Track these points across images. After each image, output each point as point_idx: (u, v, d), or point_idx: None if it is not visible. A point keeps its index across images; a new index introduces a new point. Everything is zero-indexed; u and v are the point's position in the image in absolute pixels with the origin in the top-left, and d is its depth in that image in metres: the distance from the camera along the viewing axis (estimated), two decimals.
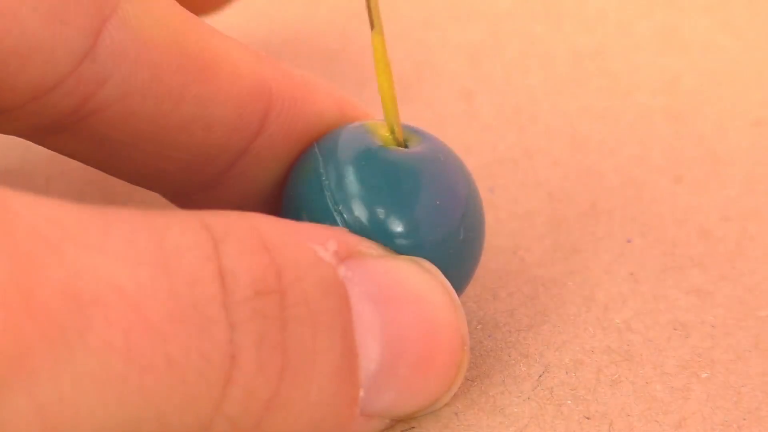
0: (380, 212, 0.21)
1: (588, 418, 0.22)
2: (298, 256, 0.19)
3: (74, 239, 0.17)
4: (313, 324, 0.19)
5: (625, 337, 0.23)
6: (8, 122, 0.22)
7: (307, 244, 0.20)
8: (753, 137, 0.30)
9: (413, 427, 0.21)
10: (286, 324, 0.19)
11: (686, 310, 0.24)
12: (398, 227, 0.21)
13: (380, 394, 0.20)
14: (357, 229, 0.21)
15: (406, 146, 0.22)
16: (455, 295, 0.21)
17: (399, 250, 0.21)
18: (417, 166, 0.21)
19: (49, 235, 0.16)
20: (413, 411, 0.21)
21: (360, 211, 0.21)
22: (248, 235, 0.19)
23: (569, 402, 0.22)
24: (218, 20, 0.33)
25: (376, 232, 0.21)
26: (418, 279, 0.21)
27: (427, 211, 0.21)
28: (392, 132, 0.22)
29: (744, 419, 0.22)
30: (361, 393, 0.20)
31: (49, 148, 0.23)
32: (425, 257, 0.21)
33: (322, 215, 0.21)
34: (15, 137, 0.23)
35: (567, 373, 0.23)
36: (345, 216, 0.21)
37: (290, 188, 0.22)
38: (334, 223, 0.21)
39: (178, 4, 0.22)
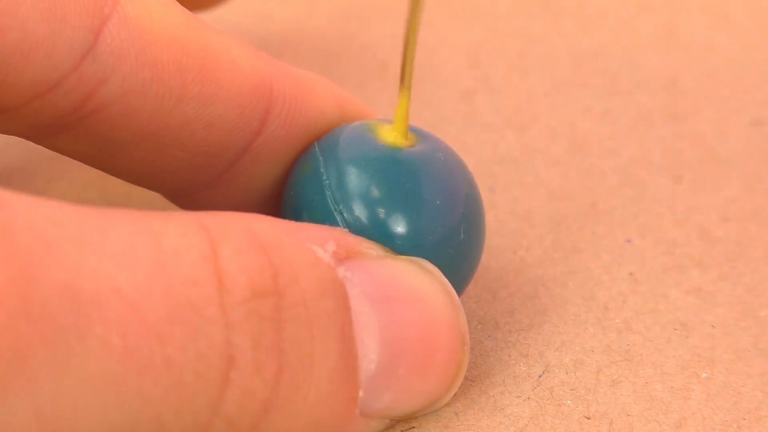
0: (381, 212, 0.21)
1: (588, 418, 0.22)
2: (296, 257, 0.19)
3: (73, 240, 0.17)
4: (311, 325, 0.19)
5: (625, 337, 0.23)
6: (9, 122, 0.22)
7: (305, 245, 0.20)
8: (753, 137, 0.30)
9: (413, 427, 0.21)
10: (283, 325, 0.19)
11: (686, 310, 0.24)
12: (399, 227, 0.21)
13: (380, 394, 0.20)
14: (357, 228, 0.21)
15: (406, 146, 0.22)
16: (455, 295, 0.21)
17: (399, 250, 0.21)
18: (417, 166, 0.21)
19: (48, 235, 0.16)
20: (413, 411, 0.21)
21: (360, 211, 0.21)
22: (246, 236, 0.19)
23: (569, 402, 0.22)
24: (219, 20, 0.33)
25: (376, 232, 0.21)
26: (418, 279, 0.21)
27: (428, 210, 0.21)
28: (399, 128, 0.22)
29: (744, 419, 0.22)
30: (361, 393, 0.20)
31: (49, 148, 0.23)
32: (426, 256, 0.21)
33: (322, 215, 0.21)
34: (15, 137, 0.23)
35: (567, 373, 0.23)
36: (345, 215, 0.21)
37: (291, 188, 0.22)
38: (334, 222, 0.21)
39: (177, 3, 0.22)
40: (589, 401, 0.22)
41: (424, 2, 0.21)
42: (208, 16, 0.33)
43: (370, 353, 0.20)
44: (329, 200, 0.21)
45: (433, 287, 0.21)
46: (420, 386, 0.21)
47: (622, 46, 0.34)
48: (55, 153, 0.23)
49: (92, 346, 0.16)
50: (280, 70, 0.23)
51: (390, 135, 0.22)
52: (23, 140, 0.23)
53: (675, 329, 0.24)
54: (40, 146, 0.23)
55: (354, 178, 0.21)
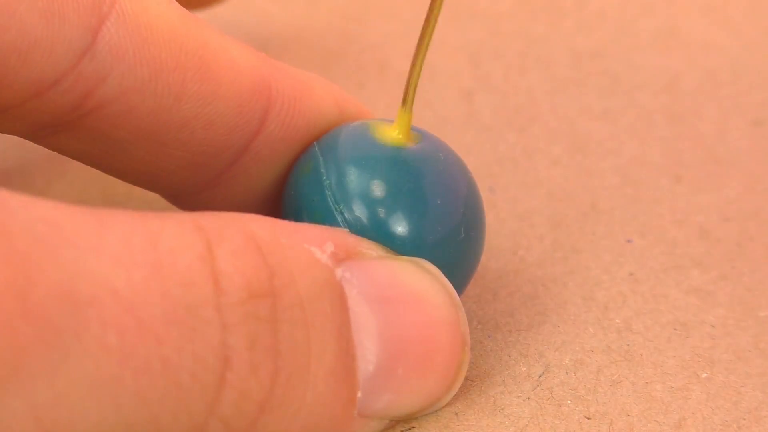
0: (381, 211, 0.21)
1: (588, 418, 0.22)
2: (292, 258, 0.19)
3: (70, 240, 0.17)
4: (308, 326, 0.19)
5: (625, 337, 0.23)
6: (8, 121, 0.22)
7: (303, 246, 0.20)
8: (753, 137, 0.30)
9: (413, 428, 0.21)
10: (279, 326, 0.19)
11: (686, 310, 0.24)
12: (399, 226, 0.21)
13: (379, 394, 0.20)
14: (358, 228, 0.21)
15: (406, 145, 0.22)
16: (456, 295, 0.21)
17: (400, 250, 0.21)
18: (417, 165, 0.21)
19: (45, 236, 0.16)
20: (413, 411, 0.21)
21: (360, 211, 0.21)
22: (242, 237, 0.19)
23: (569, 402, 0.22)
24: (218, 19, 0.33)
25: (376, 232, 0.21)
26: (419, 279, 0.21)
27: (428, 210, 0.21)
28: (401, 128, 0.22)
29: (744, 419, 0.22)
30: (359, 394, 0.20)
31: (49, 147, 0.23)
32: (426, 256, 0.21)
33: (322, 215, 0.21)
34: (15, 137, 0.23)
35: (567, 373, 0.23)
36: (346, 215, 0.21)
37: (291, 188, 0.22)
38: (334, 222, 0.21)
39: (176, 2, 0.22)
40: (589, 401, 0.22)
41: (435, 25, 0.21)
42: (207, 16, 0.33)
43: (368, 354, 0.20)
44: (329, 200, 0.21)
45: (433, 287, 0.21)
46: (420, 386, 0.21)
47: (622, 46, 0.34)
48: (55, 153, 0.23)
49: (89, 347, 0.16)
50: (278, 70, 0.23)
51: (390, 134, 0.22)
52: (23, 140, 0.23)
53: (675, 329, 0.24)
54: (40, 146, 0.23)
55: (354, 178, 0.21)
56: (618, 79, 0.32)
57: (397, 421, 0.21)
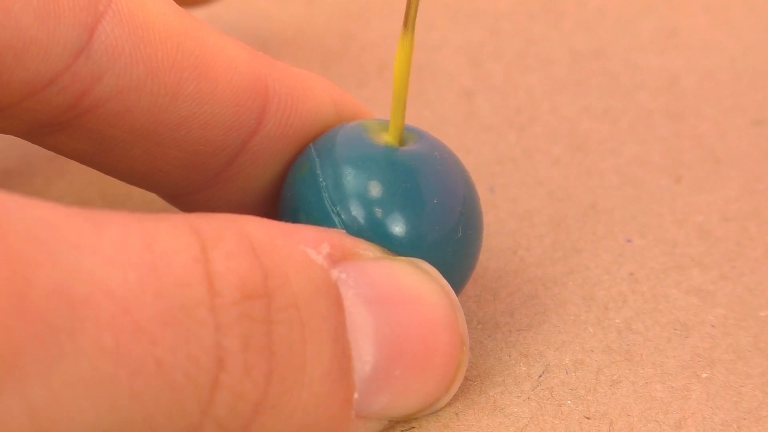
0: (378, 212, 0.21)
1: (588, 418, 0.21)
2: (287, 259, 0.19)
3: (66, 241, 0.17)
4: (303, 327, 0.19)
5: (625, 337, 0.23)
6: (4, 120, 0.22)
7: (298, 247, 0.20)
8: (753, 137, 0.30)
9: (413, 428, 0.21)
10: (273, 327, 0.19)
11: (686, 310, 0.24)
12: (396, 227, 0.21)
13: (376, 395, 0.20)
14: (355, 229, 0.21)
15: (402, 145, 0.22)
16: (454, 295, 0.21)
17: (397, 250, 0.21)
18: (414, 166, 0.21)
19: (42, 236, 0.16)
20: (412, 412, 0.21)
21: (357, 212, 0.21)
22: (237, 238, 0.19)
23: (569, 402, 0.22)
24: (218, 20, 0.33)
25: (373, 232, 0.21)
26: (416, 280, 0.21)
27: (425, 210, 0.21)
28: (394, 131, 0.22)
29: (744, 419, 0.22)
30: (356, 395, 0.20)
31: (46, 147, 0.23)
32: (423, 256, 0.21)
33: (319, 216, 0.21)
34: (14, 137, 0.23)
35: (567, 373, 0.23)
36: (342, 216, 0.21)
37: (287, 189, 0.22)
38: (332, 224, 0.21)
39: (172, 1, 0.22)
40: (589, 401, 0.22)
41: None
42: (207, 16, 0.33)
43: (364, 355, 0.20)
44: (326, 202, 0.21)
45: (431, 288, 0.21)
46: (418, 387, 0.20)
47: (622, 46, 0.34)
48: (54, 153, 0.23)
49: (84, 347, 0.16)
50: (275, 69, 0.23)
51: (385, 135, 0.22)
52: (22, 140, 0.23)
53: (675, 329, 0.24)
54: (39, 146, 0.23)
55: (351, 179, 0.21)
56: (618, 79, 0.32)
57: (396, 422, 0.21)
